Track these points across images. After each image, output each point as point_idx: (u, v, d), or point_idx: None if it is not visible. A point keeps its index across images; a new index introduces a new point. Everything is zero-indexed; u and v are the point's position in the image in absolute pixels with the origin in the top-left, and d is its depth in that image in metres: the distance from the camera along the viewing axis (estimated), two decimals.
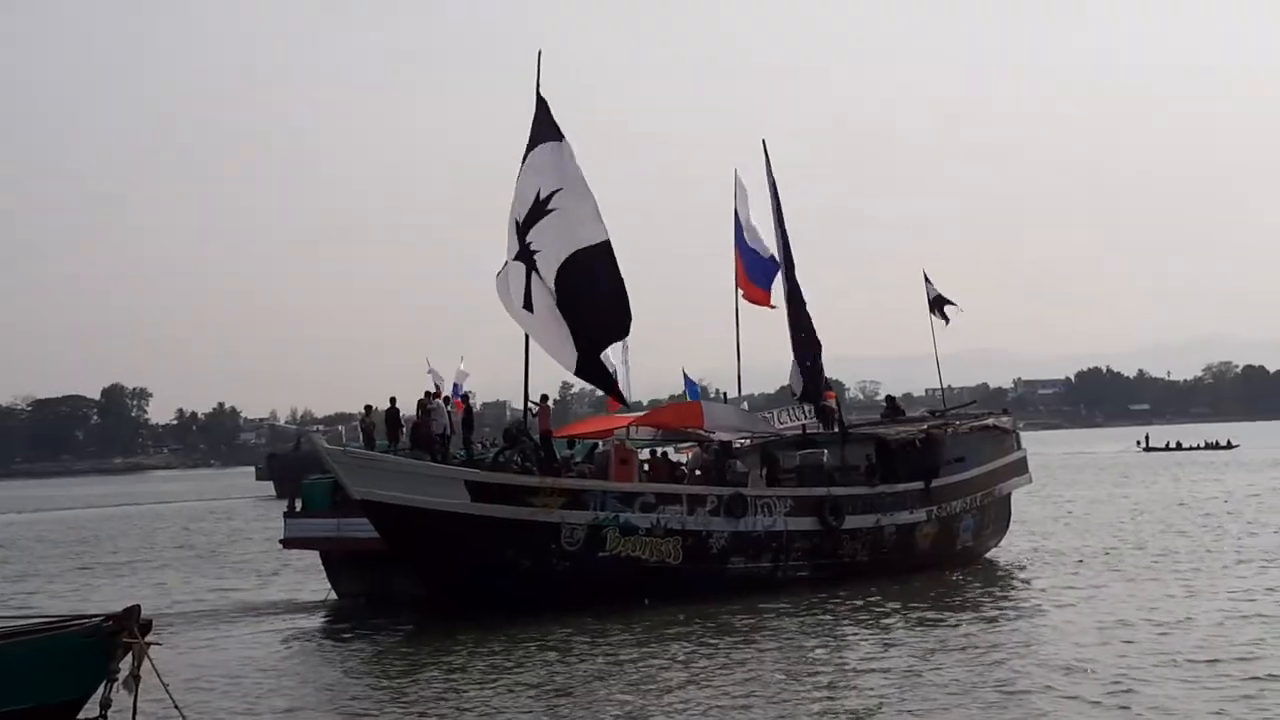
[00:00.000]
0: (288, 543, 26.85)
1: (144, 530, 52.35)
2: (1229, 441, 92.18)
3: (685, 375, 36.66)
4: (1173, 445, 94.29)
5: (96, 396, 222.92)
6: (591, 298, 23.13)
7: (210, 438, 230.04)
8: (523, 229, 23.29)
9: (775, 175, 27.90)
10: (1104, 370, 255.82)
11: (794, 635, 19.60)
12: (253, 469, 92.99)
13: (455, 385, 39.57)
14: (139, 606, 12.34)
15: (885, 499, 26.11)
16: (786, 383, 28.65)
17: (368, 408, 28.14)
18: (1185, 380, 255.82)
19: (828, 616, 21.21)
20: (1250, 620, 19.02)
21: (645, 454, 26.37)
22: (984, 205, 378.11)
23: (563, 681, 16.43)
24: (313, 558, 27.70)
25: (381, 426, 27.66)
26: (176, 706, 12.55)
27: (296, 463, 64.67)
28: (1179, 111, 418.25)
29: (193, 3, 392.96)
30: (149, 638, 12.12)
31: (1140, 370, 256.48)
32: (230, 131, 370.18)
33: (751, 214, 29.09)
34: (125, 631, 12.05)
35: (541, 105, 23.86)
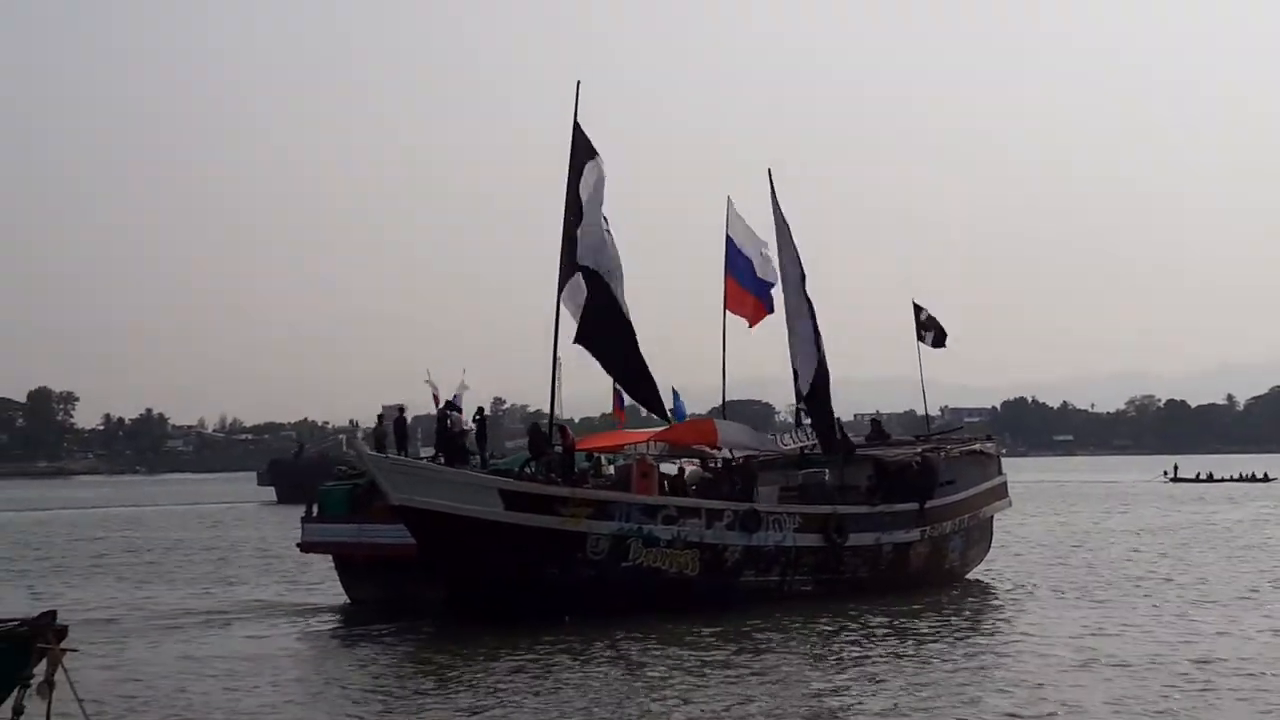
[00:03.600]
0: (305, 547, 27.53)
1: (142, 535, 51.47)
2: (1265, 475, 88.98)
3: (675, 392, 37.58)
4: (1204, 476, 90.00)
5: (22, 400, 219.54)
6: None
7: (137, 444, 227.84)
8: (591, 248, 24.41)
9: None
10: (1029, 400, 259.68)
11: (800, 648, 20.31)
12: (179, 475, 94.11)
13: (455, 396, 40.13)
14: (54, 612, 12.24)
15: (884, 518, 27.23)
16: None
17: (380, 416, 28.99)
18: (1108, 412, 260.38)
19: (834, 630, 22.01)
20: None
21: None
22: (911, 238, 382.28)
23: (570, 692, 16.84)
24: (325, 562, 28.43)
25: (392, 435, 28.45)
26: (87, 717, 12.75)
27: (298, 469, 69.01)
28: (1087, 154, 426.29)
29: None
30: (64, 643, 11.98)
31: (1064, 401, 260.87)
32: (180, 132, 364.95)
33: (761, 237, 29.96)
34: (40, 637, 11.85)
35: (579, 131, 24.94)
